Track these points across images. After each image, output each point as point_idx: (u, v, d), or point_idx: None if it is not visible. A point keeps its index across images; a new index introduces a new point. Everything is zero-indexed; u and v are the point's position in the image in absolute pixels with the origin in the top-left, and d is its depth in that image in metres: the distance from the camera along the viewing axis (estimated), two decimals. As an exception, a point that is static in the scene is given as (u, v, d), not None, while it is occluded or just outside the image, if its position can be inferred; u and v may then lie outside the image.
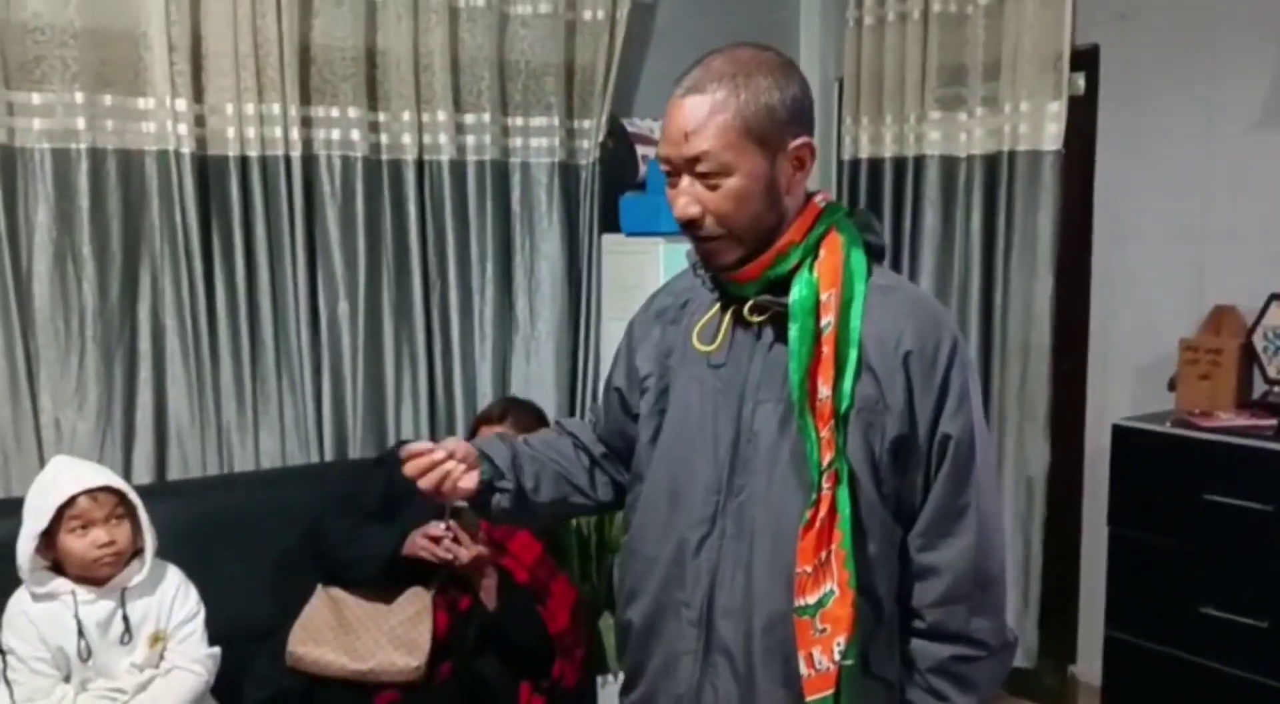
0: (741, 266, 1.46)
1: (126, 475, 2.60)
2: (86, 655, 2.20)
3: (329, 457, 3.01)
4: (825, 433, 1.39)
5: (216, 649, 2.36)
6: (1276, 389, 2.80)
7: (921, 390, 1.42)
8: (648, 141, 3.38)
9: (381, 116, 3.03)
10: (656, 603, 1.55)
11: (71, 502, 2.18)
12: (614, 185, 3.35)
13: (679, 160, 1.42)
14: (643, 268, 3.13)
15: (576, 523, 3.03)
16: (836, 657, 1.38)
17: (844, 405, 1.39)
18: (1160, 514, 2.77)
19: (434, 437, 3.08)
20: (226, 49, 2.73)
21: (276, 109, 2.81)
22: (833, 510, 1.38)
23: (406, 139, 3.04)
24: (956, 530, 1.45)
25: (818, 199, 1.50)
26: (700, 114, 1.39)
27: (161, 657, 2.30)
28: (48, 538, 2.19)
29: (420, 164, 3.08)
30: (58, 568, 2.22)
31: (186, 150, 2.71)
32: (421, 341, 3.12)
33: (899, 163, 3.53)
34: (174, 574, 2.35)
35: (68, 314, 2.65)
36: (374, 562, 2.45)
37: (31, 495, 2.23)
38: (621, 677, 1.66)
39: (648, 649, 1.57)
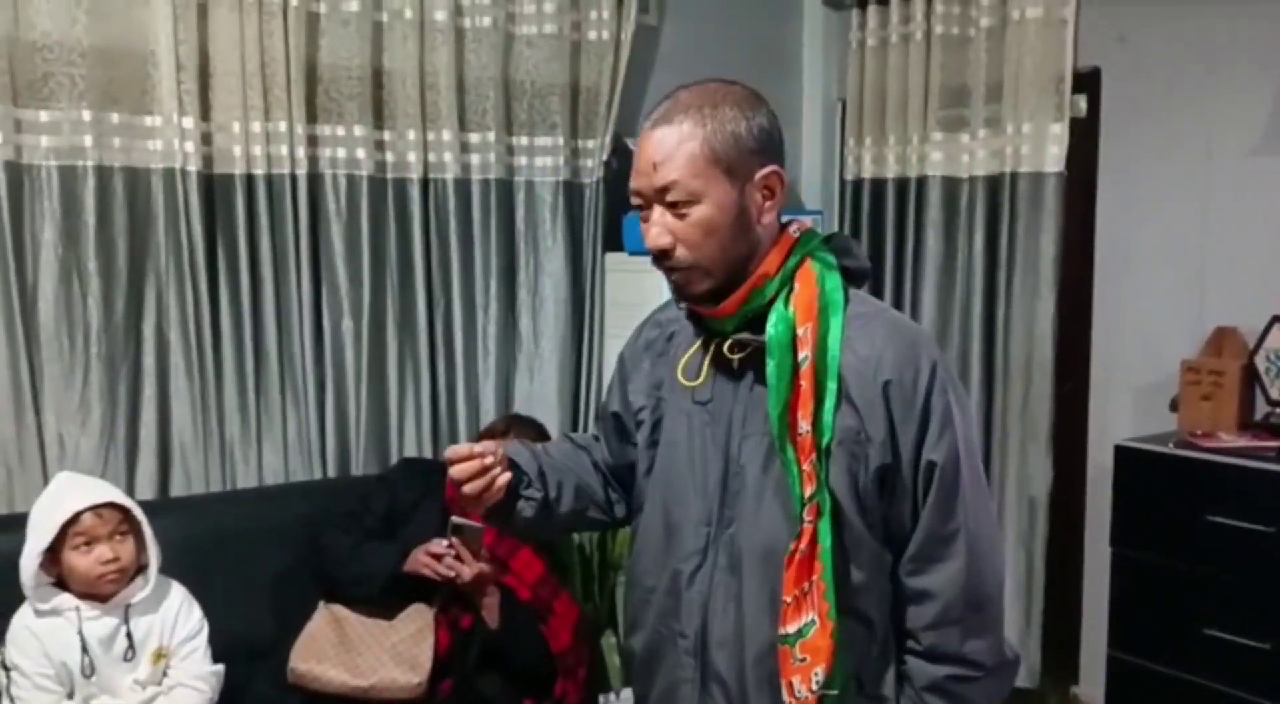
0: (714, 299, 1.46)
1: (130, 491, 2.59)
2: (90, 672, 2.20)
3: (332, 473, 3.01)
4: (807, 466, 1.39)
5: (220, 666, 2.36)
6: (1278, 410, 2.81)
7: (903, 419, 1.42)
8: (651, 161, 3.39)
9: (387, 135, 3.04)
10: (655, 633, 1.56)
11: (76, 518, 2.18)
12: (617, 204, 3.35)
13: (649, 191, 1.42)
14: (645, 287, 3.11)
15: (579, 542, 3.03)
16: (814, 686, 1.38)
17: (825, 438, 1.39)
18: (1162, 535, 2.77)
19: (436, 454, 3.08)
20: (234, 68, 2.75)
21: (283, 127, 2.83)
22: (814, 542, 1.38)
23: (412, 157, 3.05)
24: (946, 555, 1.44)
25: (792, 229, 1.50)
26: (668, 144, 1.39)
27: (165, 674, 2.30)
28: (52, 554, 2.19)
29: (425, 182, 3.09)
30: (61, 584, 2.22)
31: (193, 168, 2.72)
32: (425, 359, 3.12)
33: (901, 184, 3.54)
34: (178, 591, 2.35)
35: (72, 330, 2.65)
36: (376, 578, 2.45)
37: (35, 511, 2.23)
38: (625, 694, 1.67)
39: (650, 678, 1.59)
